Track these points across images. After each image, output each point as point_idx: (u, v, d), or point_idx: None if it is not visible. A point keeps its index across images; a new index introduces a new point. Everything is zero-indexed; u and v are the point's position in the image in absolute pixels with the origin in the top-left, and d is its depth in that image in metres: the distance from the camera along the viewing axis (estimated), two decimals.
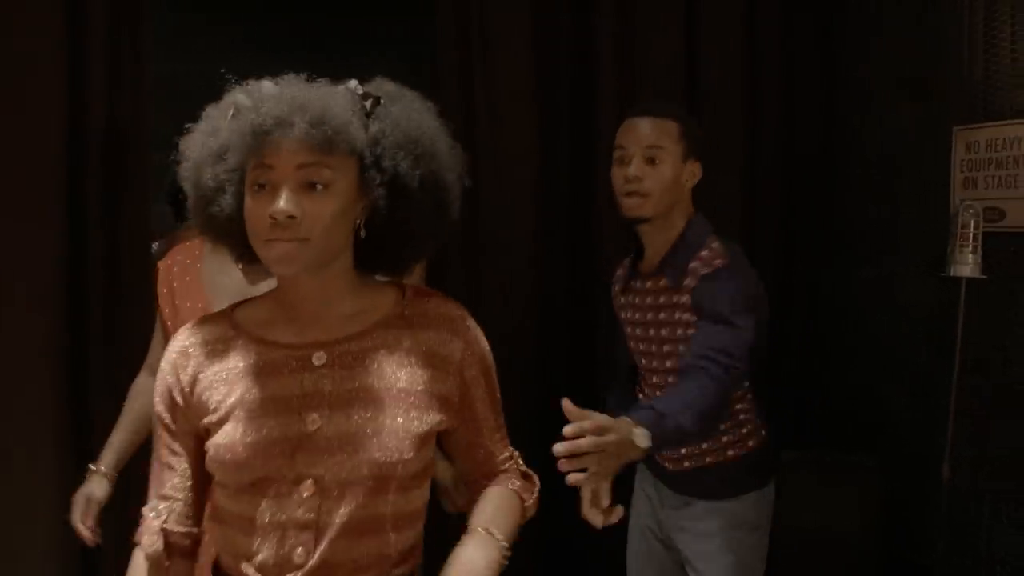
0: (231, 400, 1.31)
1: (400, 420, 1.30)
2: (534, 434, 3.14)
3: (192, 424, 1.35)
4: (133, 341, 2.44)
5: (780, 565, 2.65)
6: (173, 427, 1.36)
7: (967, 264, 2.83)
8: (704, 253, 2.13)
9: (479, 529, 1.33)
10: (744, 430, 2.27)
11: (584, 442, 1.52)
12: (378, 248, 1.36)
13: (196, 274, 2.04)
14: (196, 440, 1.35)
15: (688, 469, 2.29)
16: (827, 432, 3.54)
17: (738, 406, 2.24)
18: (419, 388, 1.33)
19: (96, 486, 2.12)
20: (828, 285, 3.63)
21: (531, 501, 1.51)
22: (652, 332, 2.24)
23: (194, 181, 1.32)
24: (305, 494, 1.28)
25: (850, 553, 3.18)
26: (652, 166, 2.14)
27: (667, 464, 2.32)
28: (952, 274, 2.85)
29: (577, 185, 3.33)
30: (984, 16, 3.03)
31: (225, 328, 1.37)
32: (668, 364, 2.21)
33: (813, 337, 3.61)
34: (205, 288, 2.00)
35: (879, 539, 3.27)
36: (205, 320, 1.40)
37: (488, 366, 1.45)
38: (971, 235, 2.83)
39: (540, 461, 3.38)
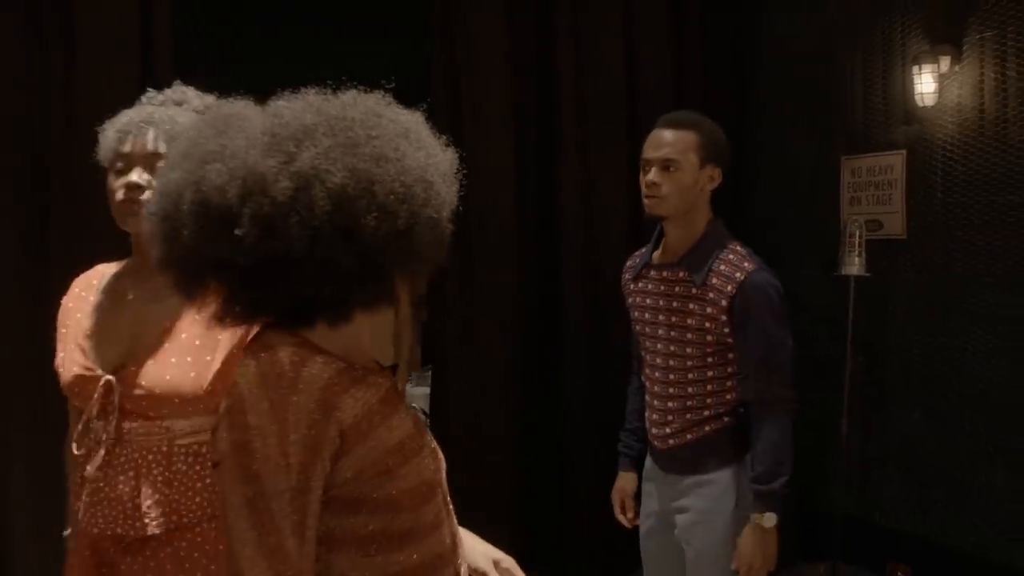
0: (391, 440, 1.12)
1: None
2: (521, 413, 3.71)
3: (325, 481, 1.07)
4: None
5: None
6: (320, 485, 1.06)
7: (855, 265, 3.50)
8: (729, 255, 2.22)
9: None
10: (727, 408, 2.30)
11: None
12: None
13: (85, 309, 1.66)
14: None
15: (673, 447, 2.33)
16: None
17: (728, 383, 2.29)
18: None
19: None
20: None
21: None
22: (661, 317, 2.31)
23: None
24: (450, 504, 1.25)
25: None
26: (669, 172, 2.22)
27: (656, 443, 2.40)
28: (843, 273, 3.53)
29: (543, 177, 3.81)
30: (863, 71, 3.78)
31: (331, 357, 1.11)
32: (672, 348, 2.29)
33: None
34: (88, 324, 1.63)
35: (793, 489, 3.84)
36: (312, 348, 1.10)
37: None
38: (857, 242, 3.49)
39: (530, 450, 3.84)
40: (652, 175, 2.23)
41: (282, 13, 3.83)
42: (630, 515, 2.49)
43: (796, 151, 4.11)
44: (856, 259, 3.49)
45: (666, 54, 4.06)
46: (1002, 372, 3.27)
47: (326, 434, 1.04)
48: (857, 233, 3.50)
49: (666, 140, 2.25)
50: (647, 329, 2.37)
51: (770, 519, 2.17)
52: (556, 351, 3.84)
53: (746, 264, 2.21)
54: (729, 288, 2.19)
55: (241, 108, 1.16)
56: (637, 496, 2.53)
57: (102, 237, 2.36)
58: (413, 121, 1.17)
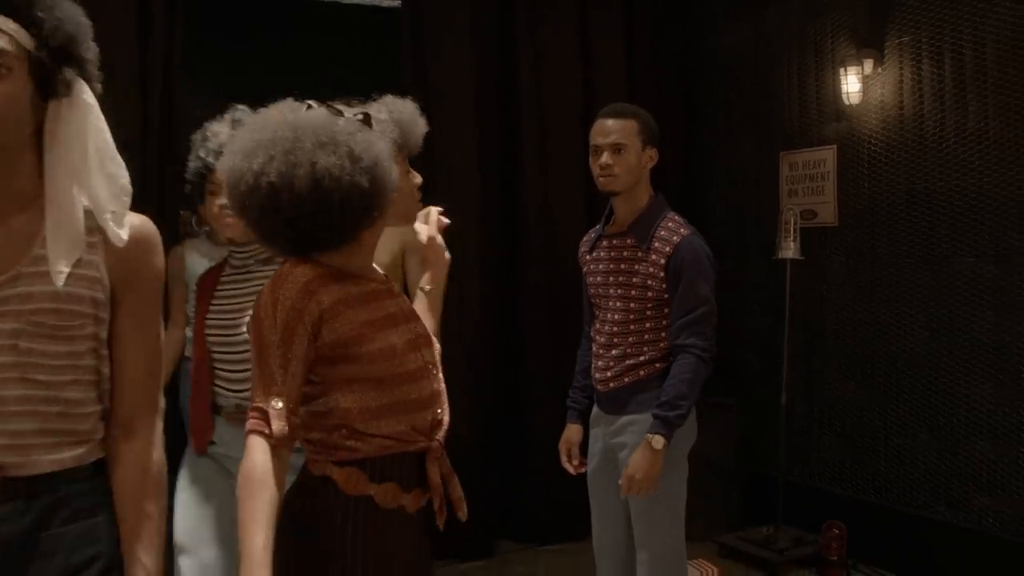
0: (366, 317, 1.59)
1: None
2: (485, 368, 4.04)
3: (312, 341, 1.54)
4: None
5: None
6: (303, 340, 1.53)
7: (791, 250, 3.83)
8: (669, 223, 2.58)
9: None
10: (659, 355, 2.58)
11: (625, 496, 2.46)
12: None
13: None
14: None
15: (612, 388, 2.62)
16: None
17: (662, 334, 2.58)
18: None
19: None
20: None
21: None
22: (611, 279, 2.64)
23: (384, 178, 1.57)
24: (434, 372, 1.72)
25: (719, 471, 4.08)
26: (618, 155, 2.57)
27: (599, 387, 2.67)
28: (780, 257, 3.85)
29: (505, 170, 4.15)
30: (798, 73, 4.12)
31: (324, 268, 1.59)
32: (619, 304, 2.62)
33: None
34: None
35: (739, 459, 4.22)
36: (306, 261, 1.59)
37: None
38: (792, 229, 3.82)
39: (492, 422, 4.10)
40: (605, 158, 2.58)
41: (271, 27, 4.15)
42: (575, 463, 2.76)
43: (740, 148, 4.44)
44: (792, 244, 3.82)
45: (620, 64, 4.39)
46: (923, 344, 3.59)
47: (306, 308, 1.54)
48: (792, 221, 3.83)
49: (613, 128, 2.60)
50: (600, 290, 2.70)
51: (658, 441, 2.44)
52: (518, 326, 4.13)
53: (682, 230, 2.58)
54: (667, 249, 2.54)
55: (269, 115, 1.61)
56: (583, 447, 2.79)
57: None
58: (330, 131, 1.56)
